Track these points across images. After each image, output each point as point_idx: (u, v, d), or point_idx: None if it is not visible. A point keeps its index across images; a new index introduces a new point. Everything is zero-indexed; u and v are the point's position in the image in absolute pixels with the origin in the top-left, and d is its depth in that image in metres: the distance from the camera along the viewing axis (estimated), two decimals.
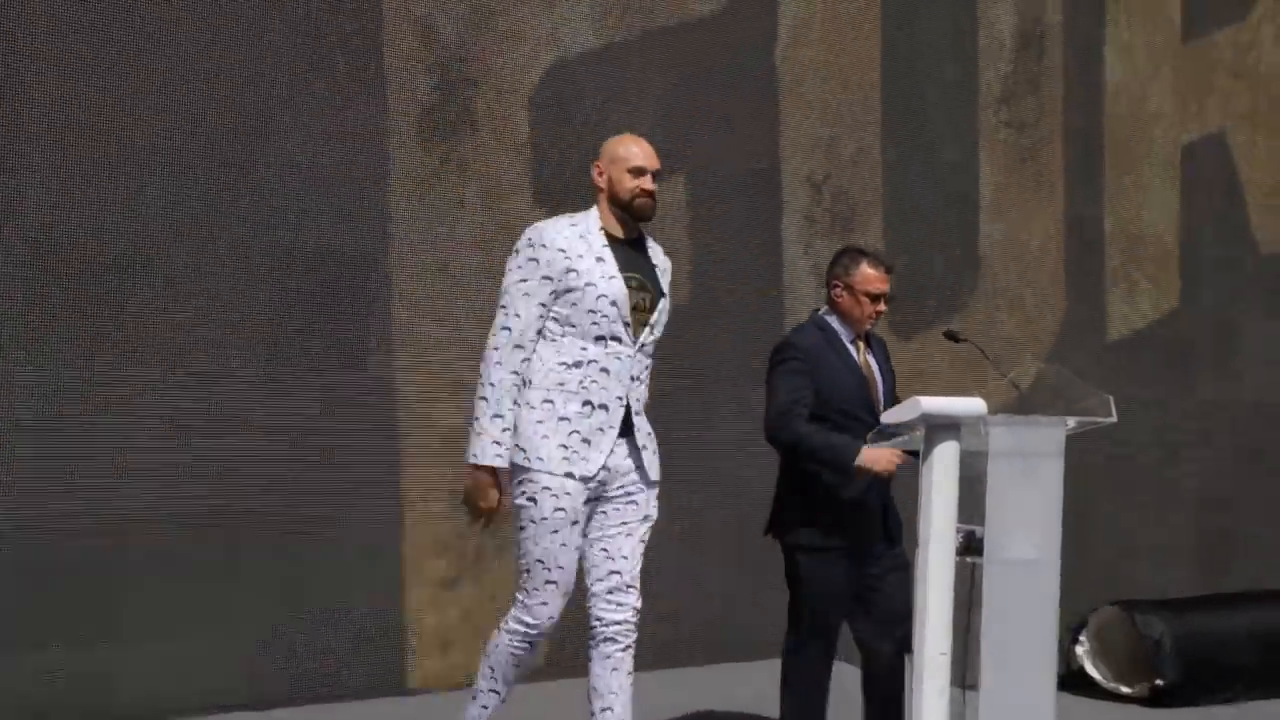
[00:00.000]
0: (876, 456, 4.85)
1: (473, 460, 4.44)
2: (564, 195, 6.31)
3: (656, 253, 4.74)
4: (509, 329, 4.48)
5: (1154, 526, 8.17)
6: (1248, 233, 8.53)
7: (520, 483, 4.46)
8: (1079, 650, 6.94)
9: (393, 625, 6.12)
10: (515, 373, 4.47)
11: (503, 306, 4.51)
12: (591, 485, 4.49)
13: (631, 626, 4.55)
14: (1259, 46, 8.53)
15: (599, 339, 4.51)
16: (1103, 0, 8.07)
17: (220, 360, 5.69)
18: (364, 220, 6.03)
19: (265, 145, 5.77)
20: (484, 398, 4.45)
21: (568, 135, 6.44)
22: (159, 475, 5.54)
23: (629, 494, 4.57)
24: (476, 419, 4.44)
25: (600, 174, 4.64)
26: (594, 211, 4.64)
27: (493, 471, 4.42)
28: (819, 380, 5.04)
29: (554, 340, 4.50)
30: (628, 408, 4.54)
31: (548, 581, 4.48)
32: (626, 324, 4.54)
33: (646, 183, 4.61)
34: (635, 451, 4.57)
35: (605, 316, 4.51)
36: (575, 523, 4.49)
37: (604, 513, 4.55)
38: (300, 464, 5.83)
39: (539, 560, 4.47)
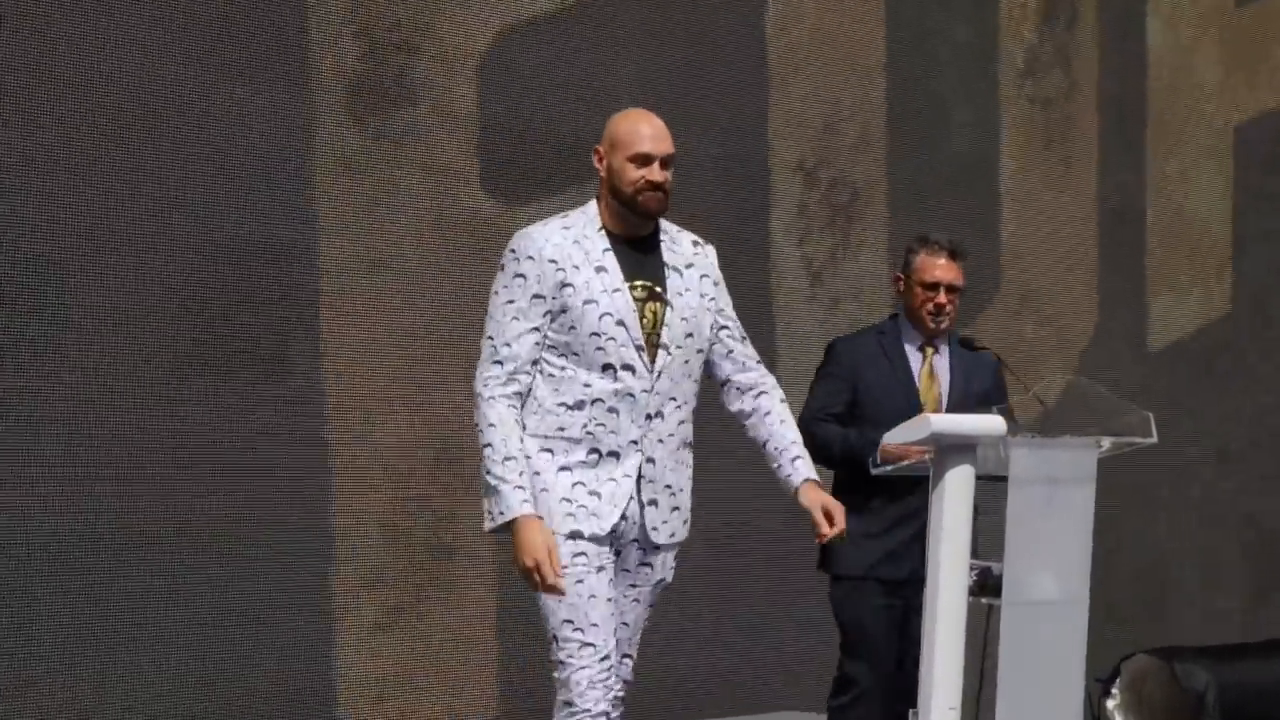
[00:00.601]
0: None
1: (500, 520, 4.20)
2: (515, 180, 6.36)
3: (676, 245, 4.43)
4: (500, 363, 4.25)
5: (1199, 563, 8.22)
6: None
7: None
8: (1110, 704, 6.92)
9: (317, 673, 6.13)
10: (515, 406, 4.26)
11: (489, 337, 4.29)
12: (606, 543, 4.26)
13: (621, 700, 4.32)
14: None
15: (606, 369, 4.25)
16: None
17: (121, 367, 5.73)
18: (284, 208, 6.06)
19: (168, 125, 5.79)
20: (488, 444, 4.22)
21: (520, 110, 6.48)
22: (52, 492, 5.59)
23: (643, 555, 4.36)
24: (487, 472, 4.21)
25: (600, 160, 4.38)
26: (591, 207, 4.38)
27: (528, 521, 4.16)
28: (859, 390, 5.16)
29: (552, 376, 4.26)
30: (642, 455, 4.28)
31: (584, 645, 4.22)
32: (640, 347, 4.28)
33: (654, 173, 4.31)
34: (646, 503, 4.32)
35: (612, 340, 4.25)
36: (602, 569, 4.27)
37: (621, 561, 4.35)
38: (209, 485, 5.86)
39: (566, 620, 4.21)
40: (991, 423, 4.53)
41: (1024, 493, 4.65)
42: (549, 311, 4.25)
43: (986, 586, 4.93)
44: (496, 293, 4.31)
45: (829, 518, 4.29)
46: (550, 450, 4.25)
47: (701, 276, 4.42)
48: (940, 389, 5.21)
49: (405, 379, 6.20)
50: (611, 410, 4.25)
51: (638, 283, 4.30)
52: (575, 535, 4.22)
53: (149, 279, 5.78)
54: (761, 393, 4.45)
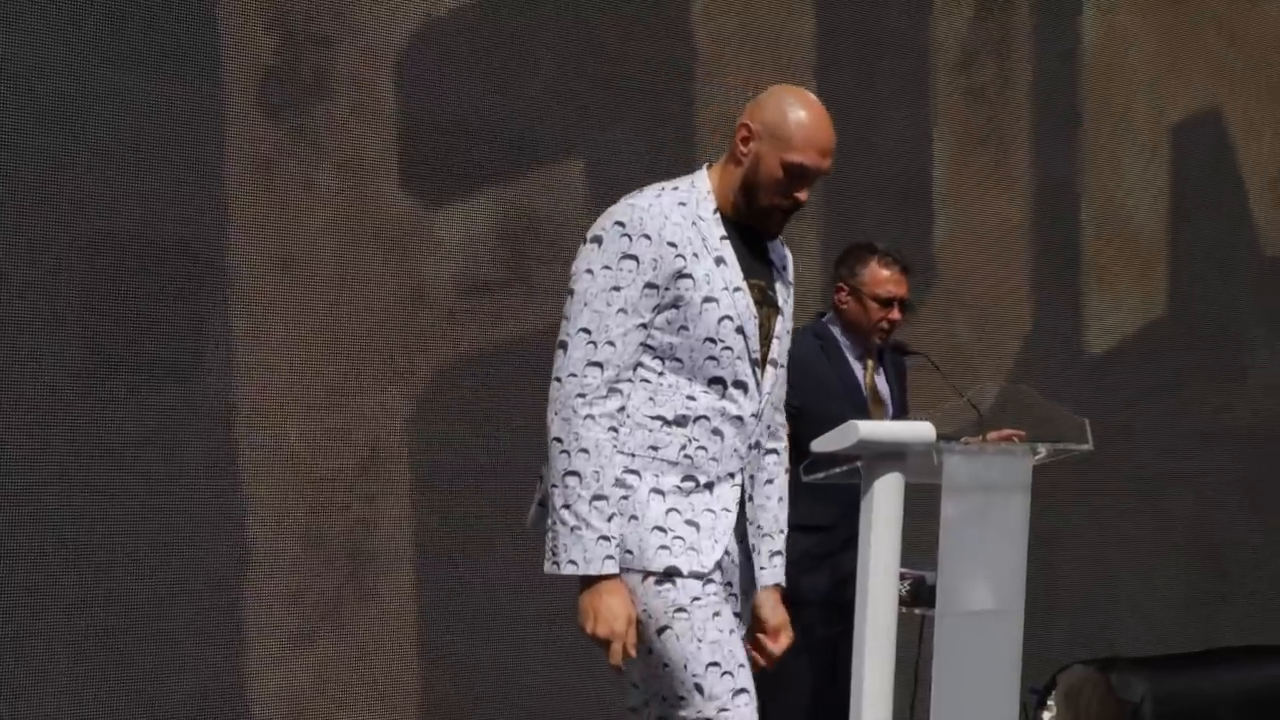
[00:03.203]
0: None
1: (570, 570, 3.73)
2: (436, 175, 6.34)
3: (776, 243, 4.01)
4: (599, 365, 3.74)
5: (1134, 571, 8.26)
6: (1249, 227, 8.61)
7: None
8: (1045, 716, 7.00)
9: (230, 688, 6.10)
10: (614, 429, 3.75)
11: (583, 329, 3.75)
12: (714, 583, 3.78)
13: None
14: (1258, 4, 8.64)
15: (715, 382, 3.80)
16: None
17: (23, 375, 5.67)
18: (194, 207, 6.01)
19: (72, 120, 5.74)
20: (573, 472, 3.72)
21: (442, 104, 6.45)
22: None
23: (733, 606, 3.90)
24: (565, 506, 3.72)
25: (746, 141, 3.86)
26: (703, 181, 3.89)
27: (611, 580, 3.71)
28: (804, 399, 4.94)
29: (646, 381, 3.79)
30: (742, 490, 3.86)
31: (738, 692, 3.73)
32: (756, 363, 3.84)
33: (803, 194, 3.87)
34: (745, 552, 3.91)
35: (729, 349, 3.81)
36: (734, 596, 3.85)
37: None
38: (114, 492, 5.81)
39: (712, 665, 3.71)
40: (921, 430, 4.56)
41: (958, 501, 4.70)
42: (658, 305, 3.77)
43: (920, 597, 5.03)
44: (591, 272, 3.77)
45: (775, 638, 3.97)
46: (638, 472, 3.78)
47: (790, 283, 4.03)
48: (885, 401, 5.28)
49: (321, 381, 6.15)
50: (716, 432, 3.80)
51: (752, 281, 3.88)
52: (671, 573, 3.74)
53: (52, 276, 5.73)
54: (770, 450, 4.00)
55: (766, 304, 3.89)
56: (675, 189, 3.88)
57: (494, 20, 6.58)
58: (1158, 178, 8.35)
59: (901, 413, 5.37)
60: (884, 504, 4.56)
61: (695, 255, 3.78)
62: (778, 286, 3.95)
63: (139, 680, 5.90)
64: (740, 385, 3.81)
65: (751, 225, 3.91)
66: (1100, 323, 8.18)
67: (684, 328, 3.78)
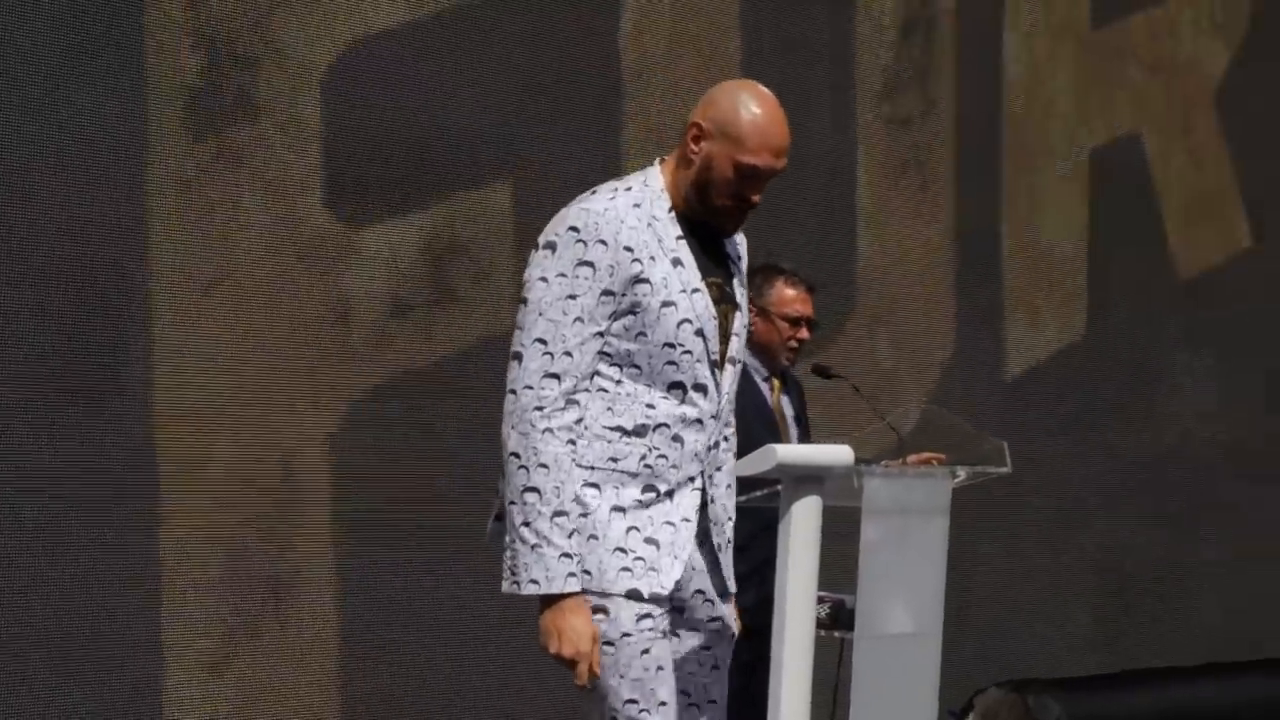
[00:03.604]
0: None
1: (532, 590, 3.65)
2: (362, 195, 6.33)
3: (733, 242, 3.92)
4: (557, 377, 3.65)
5: (1050, 594, 8.28)
6: (1165, 253, 8.67)
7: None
8: None
9: (148, 711, 6.06)
10: (573, 442, 3.66)
11: (539, 339, 3.67)
12: (665, 603, 3.75)
13: None
14: (1176, 34, 8.68)
15: (674, 388, 3.74)
16: None
17: None
18: (118, 227, 5.99)
19: None
20: (532, 488, 3.64)
21: (368, 124, 6.44)
22: None
23: (712, 608, 3.88)
24: (525, 524, 3.64)
25: (698, 140, 3.77)
26: (656, 179, 3.80)
27: (573, 599, 3.64)
28: None
29: (604, 391, 3.72)
30: (703, 493, 3.82)
31: None
32: (715, 364, 3.78)
33: (756, 195, 3.79)
34: (711, 553, 3.86)
35: (688, 353, 3.74)
36: (664, 635, 3.77)
37: (685, 620, 3.86)
38: (30, 511, 5.78)
39: (630, 701, 3.67)
40: (839, 453, 4.53)
41: (878, 524, 4.73)
42: (614, 312, 3.70)
43: (839, 620, 5.04)
44: (545, 280, 3.69)
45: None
46: (597, 485, 3.70)
47: (743, 273, 3.95)
48: (790, 425, 5.29)
49: (244, 401, 6.12)
50: (676, 439, 3.74)
51: (710, 280, 3.80)
52: (633, 595, 3.69)
53: None
54: (724, 438, 3.96)
55: (724, 301, 3.82)
56: (629, 189, 3.80)
57: (419, 40, 6.56)
58: (1078, 204, 8.38)
59: (805, 434, 5.36)
60: (802, 527, 4.52)
61: (652, 259, 3.72)
62: (735, 281, 3.88)
63: (50, 704, 5.85)
64: (700, 388, 3.76)
65: (706, 222, 3.85)
66: (1021, 348, 8.22)
67: (642, 334, 3.71)
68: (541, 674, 6.53)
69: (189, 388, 6.11)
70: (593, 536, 3.69)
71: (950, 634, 4.98)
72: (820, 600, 4.78)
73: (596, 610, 3.71)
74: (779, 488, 4.66)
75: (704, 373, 3.76)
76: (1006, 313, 8.19)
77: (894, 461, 5.07)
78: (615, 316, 3.71)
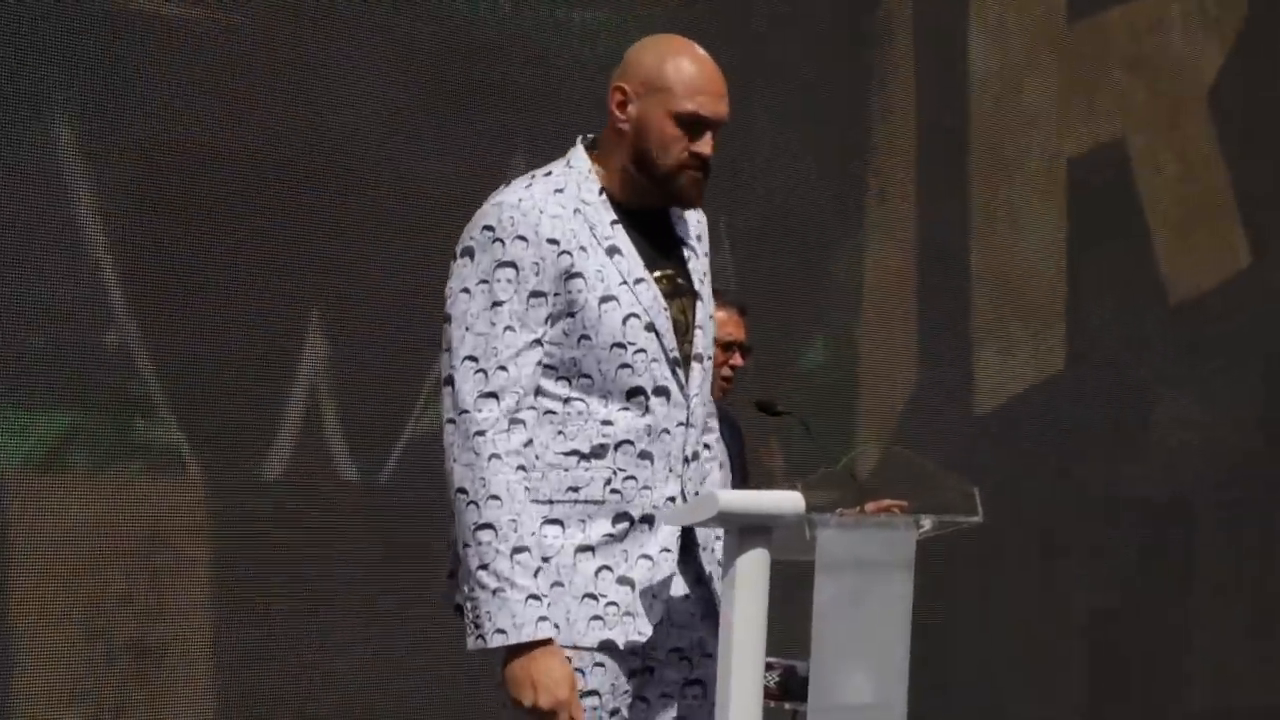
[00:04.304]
0: None
1: (498, 641, 3.45)
2: (141, 205, 6.17)
3: (684, 215, 3.71)
4: (495, 396, 3.45)
5: (1031, 651, 8.22)
6: (1153, 273, 8.66)
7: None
8: None
9: None
10: (524, 469, 3.47)
11: (468, 358, 3.46)
12: (637, 653, 3.61)
13: None
14: (1164, 29, 8.69)
15: (633, 395, 3.52)
16: None
17: None
18: None
19: None
20: (486, 525, 3.43)
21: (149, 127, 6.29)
22: None
23: (683, 673, 3.73)
24: (482, 567, 3.44)
25: (624, 106, 3.57)
26: (580, 160, 3.60)
27: (545, 643, 3.45)
28: None
29: (552, 413, 3.51)
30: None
31: None
32: (676, 362, 3.57)
33: (705, 145, 3.55)
34: (700, 584, 3.79)
35: (642, 352, 3.53)
36: (617, 712, 3.61)
37: (656, 681, 3.68)
38: None
39: None
40: (789, 500, 4.22)
41: (833, 580, 4.41)
42: (550, 316, 3.49)
43: (790, 689, 4.92)
44: (467, 291, 3.48)
45: None
46: (560, 522, 3.52)
47: (705, 254, 3.73)
48: (723, 461, 5.04)
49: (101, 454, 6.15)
50: (643, 456, 3.54)
51: (660, 273, 3.59)
52: (606, 647, 3.53)
53: None
54: (705, 446, 3.82)
55: (680, 294, 3.60)
56: (548, 174, 3.59)
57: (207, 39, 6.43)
58: (1053, 218, 8.39)
59: (743, 479, 5.30)
60: (748, 584, 4.24)
61: (583, 249, 3.50)
62: (691, 267, 3.64)
63: None
64: (661, 392, 3.54)
65: (653, 207, 3.61)
66: (991, 378, 8.23)
67: (585, 337, 3.50)
68: None
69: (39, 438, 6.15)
70: (557, 584, 3.51)
71: (921, 690, 4.71)
72: (769, 667, 4.64)
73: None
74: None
75: (663, 373, 3.55)
76: (975, 339, 8.16)
77: (850, 510, 4.78)
78: (551, 320, 3.50)
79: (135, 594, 6.09)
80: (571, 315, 3.48)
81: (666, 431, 3.55)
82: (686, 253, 3.66)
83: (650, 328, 3.51)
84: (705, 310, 3.65)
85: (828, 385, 7.78)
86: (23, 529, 6.04)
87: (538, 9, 7.07)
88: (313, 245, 6.37)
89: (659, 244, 3.61)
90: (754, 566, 4.21)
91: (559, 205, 3.51)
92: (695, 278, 3.64)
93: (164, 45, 6.17)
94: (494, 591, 3.41)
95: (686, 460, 3.61)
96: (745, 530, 4.17)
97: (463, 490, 3.43)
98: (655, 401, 3.53)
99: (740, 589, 4.20)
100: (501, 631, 3.41)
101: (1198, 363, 8.66)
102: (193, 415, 6.16)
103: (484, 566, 3.41)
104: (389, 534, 6.40)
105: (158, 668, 6.22)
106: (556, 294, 3.47)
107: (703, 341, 3.63)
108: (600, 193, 3.55)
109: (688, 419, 3.58)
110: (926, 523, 4.59)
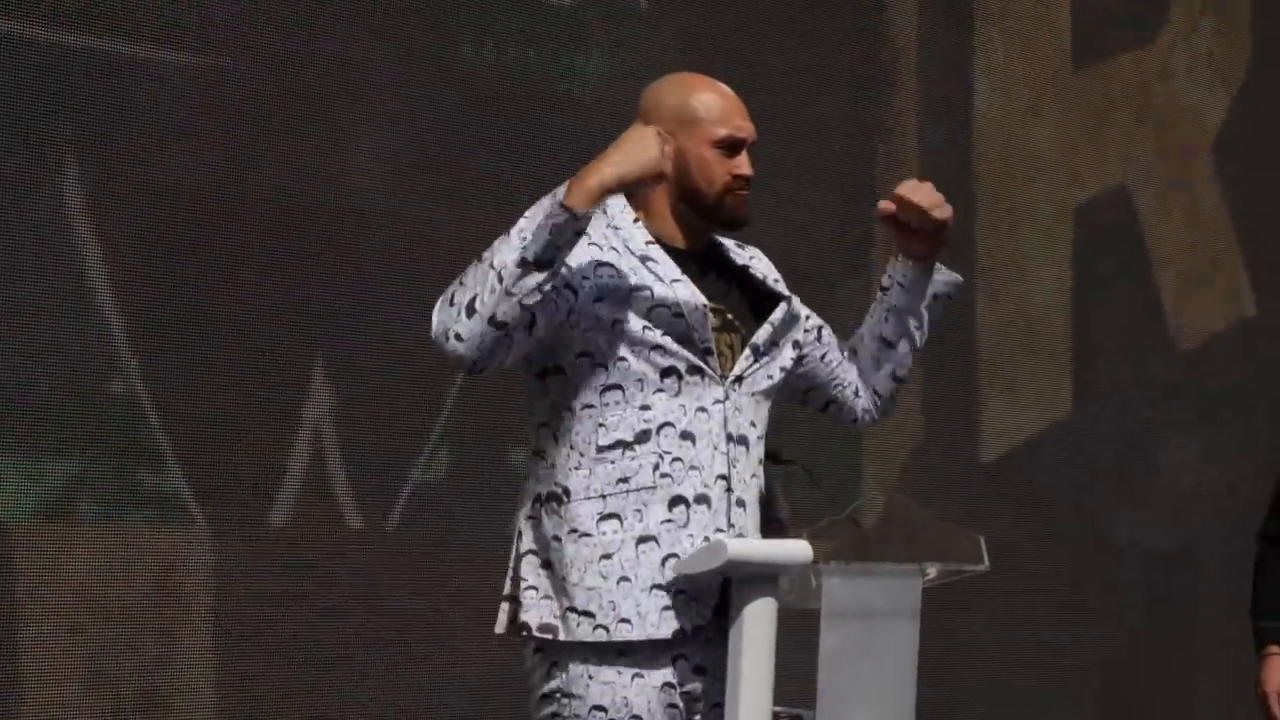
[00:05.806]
0: None
1: (560, 214, 3.40)
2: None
3: (751, 259, 3.84)
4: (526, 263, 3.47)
5: (1036, 697, 8.26)
6: (1160, 320, 8.67)
7: (572, 669, 3.57)
8: None
9: None
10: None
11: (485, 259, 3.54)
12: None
13: None
14: (1170, 77, 8.73)
15: (668, 375, 3.59)
16: (970, 13, 8.19)
17: None
18: None
19: None
20: (502, 238, 3.47)
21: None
22: None
23: (715, 697, 3.83)
24: (512, 232, 3.44)
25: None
26: (614, 202, 3.67)
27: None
28: None
29: (590, 408, 3.57)
30: (732, 501, 3.75)
31: None
32: (708, 348, 3.64)
33: (745, 165, 3.70)
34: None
35: (673, 332, 3.60)
36: (692, 697, 3.75)
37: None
38: None
39: None
40: (796, 549, 4.33)
41: (839, 629, 4.51)
42: (573, 310, 3.54)
43: None
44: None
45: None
46: (617, 515, 3.58)
47: (786, 295, 3.88)
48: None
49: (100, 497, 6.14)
50: (685, 436, 3.60)
51: (712, 304, 3.68)
52: (679, 637, 3.65)
53: None
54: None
55: (729, 330, 3.70)
56: None
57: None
58: (1061, 266, 8.41)
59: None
60: (755, 633, 4.33)
61: (614, 249, 3.60)
62: (745, 309, 3.76)
63: None
64: (695, 370, 3.62)
65: (700, 246, 3.75)
66: (997, 426, 8.25)
67: (618, 321, 3.56)
68: None
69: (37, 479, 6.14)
70: (623, 579, 3.56)
71: None
72: (776, 716, 4.58)
73: (600, 664, 3.59)
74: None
75: (693, 354, 3.62)
76: (981, 389, 8.22)
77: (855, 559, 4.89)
78: (575, 317, 3.58)
79: (142, 644, 6.12)
80: (600, 300, 3.57)
81: (704, 409, 3.62)
82: (739, 288, 3.78)
83: (677, 314, 3.60)
84: (766, 336, 3.74)
85: (833, 433, 7.60)
86: (30, 578, 6.04)
87: (549, 54, 7.12)
88: (320, 293, 6.39)
89: (713, 287, 3.72)
90: (761, 615, 4.28)
91: (591, 227, 3.54)
92: (748, 314, 3.75)
93: (173, 92, 6.19)
94: (530, 218, 3.44)
95: (730, 438, 3.68)
96: (752, 579, 4.24)
97: (482, 261, 3.47)
98: (690, 380, 3.61)
99: (748, 638, 4.27)
100: (525, 229, 3.42)
101: (1205, 410, 8.70)
102: (199, 464, 6.17)
103: (513, 232, 3.44)
104: (396, 581, 6.44)
105: (165, 718, 6.20)
106: (585, 278, 3.55)
107: (746, 365, 3.72)
108: (636, 220, 3.66)
109: (726, 395, 3.65)
110: (932, 571, 4.68)
